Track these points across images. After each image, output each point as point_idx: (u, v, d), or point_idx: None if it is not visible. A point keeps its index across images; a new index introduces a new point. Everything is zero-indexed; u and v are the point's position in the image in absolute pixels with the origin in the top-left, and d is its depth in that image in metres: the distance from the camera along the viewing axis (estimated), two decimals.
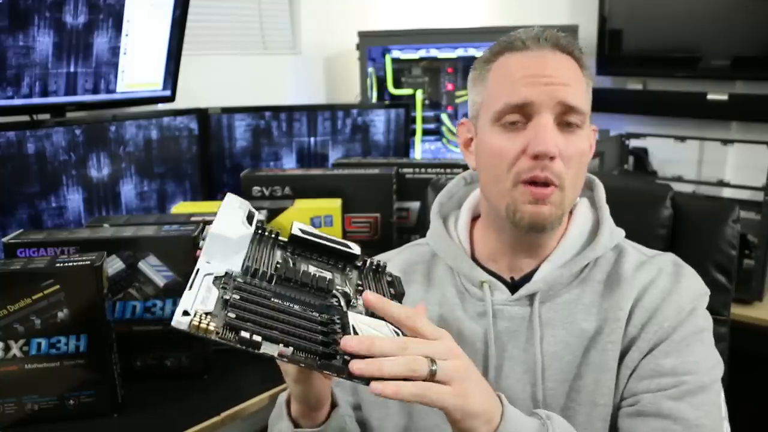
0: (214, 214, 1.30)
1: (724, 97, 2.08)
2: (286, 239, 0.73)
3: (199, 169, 1.86)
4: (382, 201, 1.66)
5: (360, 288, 0.72)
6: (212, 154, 1.88)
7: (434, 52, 2.20)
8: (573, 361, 0.81)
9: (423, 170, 1.75)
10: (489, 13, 2.54)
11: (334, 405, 0.79)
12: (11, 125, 1.39)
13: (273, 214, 1.52)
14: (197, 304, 0.56)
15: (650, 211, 1.08)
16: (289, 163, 1.98)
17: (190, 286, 0.58)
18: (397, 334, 0.64)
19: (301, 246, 0.73)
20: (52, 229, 1.44)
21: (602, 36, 2.32)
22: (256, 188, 1.65)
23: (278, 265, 0.68)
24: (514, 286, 0.85)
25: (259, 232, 0.72)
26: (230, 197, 0.72)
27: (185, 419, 1.12)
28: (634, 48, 2.29)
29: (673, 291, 0.81)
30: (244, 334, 0.55)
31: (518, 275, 0.87)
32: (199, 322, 0.54)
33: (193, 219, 1.34)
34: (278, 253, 0.71)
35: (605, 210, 0.88)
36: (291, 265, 0.69)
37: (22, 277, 1.04)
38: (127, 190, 1.67)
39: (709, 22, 2.11)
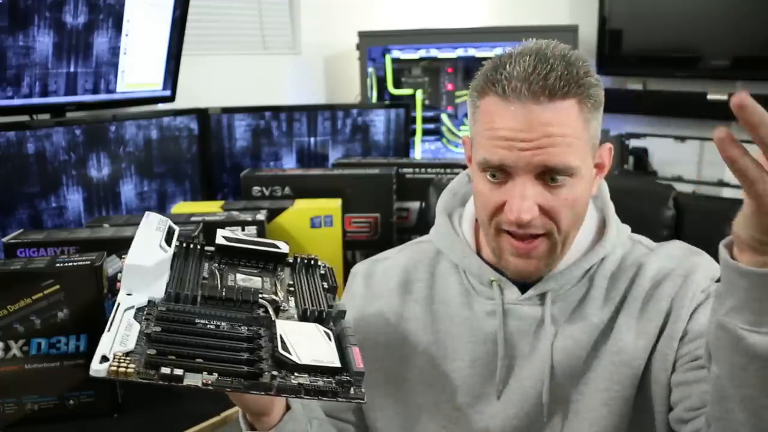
0: (214, 214, 1.28)
1: (724, 97, 2.07)
2: (212, 249, 0.72)
3: (199, 169, 1.86)
4: (382, 201, 1.66)
5: (291, 289, 0.70)
6: (212, 154, 1.88)
7: (434, 52, 2.20)
8: (582, 356, 0.81)
9: (423, 170, 1.75)
10: (489, 13, 2.54)
11: (290, 407, 0.78)
12: (11, 125, 1.39)
13: (273, 214, 1.52)
14: (116, 346, 0.53)
15: (652, 212, 1.08)
16: (289, 163, 1.98)
17: (110, 327, 0.55)
18: (328, 336, 0.62)
19: (228, 254, 0.71)
20: (52, 229, 1.44)
21: (602, 36, 2.32)
22: (256, 188, 1.64)
23: (204, 282, 0.66)
24: (522, 285, 0.84)
25: (184, 246, 0.69)
26: (149, 217, 0.69)
27: (185, 419, 1.12)
28: (634, 48, 2.29)
29: (693, 271, 0.81)
30: (165, 370, 0.53)
31: None
32: (117, 367, 0.51)
33: (193, 219, 1.34)
34: (206, 266, 0.70)
35: (610, 207, 0.87)
36: (217, 278, 0.68)
37: (22, 277, 1.04)
38: (127, 190, 1.67)
39: (709, 22, 2.11)
